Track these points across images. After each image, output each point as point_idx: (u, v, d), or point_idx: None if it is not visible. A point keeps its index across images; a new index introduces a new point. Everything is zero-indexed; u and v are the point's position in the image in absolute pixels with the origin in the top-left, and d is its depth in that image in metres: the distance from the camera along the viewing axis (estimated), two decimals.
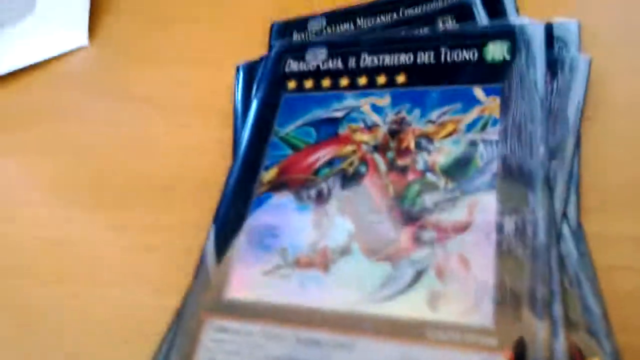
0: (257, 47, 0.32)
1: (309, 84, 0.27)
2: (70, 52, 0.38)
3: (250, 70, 0.30)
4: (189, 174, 0.28)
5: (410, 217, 0.21)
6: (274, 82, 0.27)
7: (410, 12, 0.30)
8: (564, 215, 0.20)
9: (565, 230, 0.20)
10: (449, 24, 0.28)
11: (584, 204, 0.21)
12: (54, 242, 0.28)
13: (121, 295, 0.25)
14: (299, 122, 0.25)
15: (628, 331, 0.18)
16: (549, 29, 0.25)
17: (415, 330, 0.19)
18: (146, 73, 0.34)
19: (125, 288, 0.25)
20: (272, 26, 0.32)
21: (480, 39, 0.25)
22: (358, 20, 0.31)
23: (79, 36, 0.38)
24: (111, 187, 0.29)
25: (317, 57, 0.27)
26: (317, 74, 0.27)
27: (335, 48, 0.28)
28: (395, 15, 0.30)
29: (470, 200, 0.21)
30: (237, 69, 0.30)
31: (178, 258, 0.25)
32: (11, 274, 0.27)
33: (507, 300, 0.18)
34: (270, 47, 0.31)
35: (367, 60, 0.26)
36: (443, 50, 0.25)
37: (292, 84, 0.27)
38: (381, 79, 0.26)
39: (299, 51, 0.28)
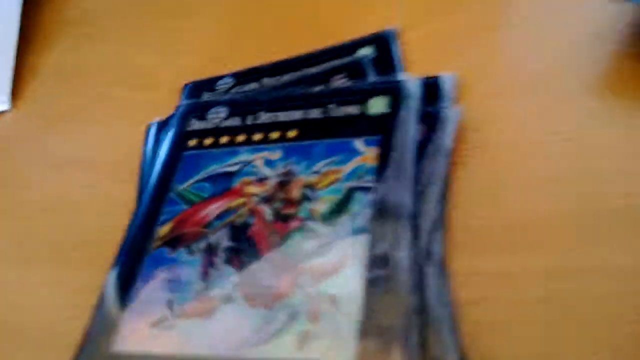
0: (172, 108, 0.34)
1: (208, 141, 0.28)
2: None
3: (160, 128, 0.31)
4: (101, 233, 0.29)
5: (290, 264, 0.22)
6: (176, 141, 0.29)
7: (309, 71, 0.32)
8: (429, 253, 0.21)
9: (430, 268, 0.21)
10: (341, 82, 0.30)
11: (450, 243, 0.22)
12: None
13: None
14: (196, 177, 0.27)
15: None
16: (431, 83, 0.28)
17: None
18: (66, 134, 0.35)
19: None
20: (184, 87, 0.34)
21: (363, 95, 0.27)
22: (264, 79, 0.33)
23: (1, 100, 0.39)
24: (31, 246, 0.30)
25: (218, 116, 0.29)
26: (217, 132, 0.28)
27: (236, 107, 0.29)
28: (296, 74, 0.32)
29: (344, 243, 0.22)
30: (147, 127, 0.32)
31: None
32: None
33: (373, 335, 0.19)
34: (182, 102, 0.32)
35: (264, 117, 0.28)
36: (330, 106, 0.27)
37: (192, 142, 0.29)
38: (275, 135, 0.27)
39: (202, 110, 0.30)
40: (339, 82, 0.30)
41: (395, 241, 0.21)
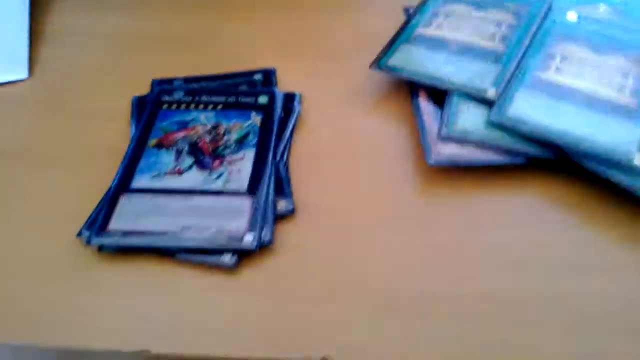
0: (144, 90, 0.59)
1: (174, 106, 0.55)
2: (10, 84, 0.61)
3: (138, 99, 0.57)
4: (110, 148, 0.53)
5: (219, 157, 0.49)
6: (155, 104, 0.55)
7: (228, 80, 0.60)
8: (280, 158, 0.50)
9: (280, 163, 0.50)
10: (244, 87, 0.58)
11: (291, 157, 0.51)
12: None
13: None
14: (168, 121, 0.53)
15: (303, 190, 0.48)
16: (289, 95, 0.57)
17: (216, 193, 0.46)
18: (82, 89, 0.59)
19: None
20: (153, 80, 0.60)
21: (256, 94, 0.56)
22: (201, 82, 0.60)
23: (18, 70, 0.62)
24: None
25: (178, 95, 0.56)
26: (178, 102, 0.55)
27: (189, 92, 0.56)
28: (221, 81, 0.60)
29: (244, 152, 0.50)
30: (133, 100, 0.57)
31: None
32: None
33: (255, 191, 0.47)
34: (153, 88, 0.58)
35: (204, 98, 0.56)
36: (240, 96, 0.56)
37: (165, 106, 0.55)
38: (210, 106, 0.55)
39: (169, 92, 0.56)
40: (243, 87, 0.58)
41: (265, 151, 0.50)
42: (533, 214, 0.46)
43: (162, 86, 0.59)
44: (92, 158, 0.53)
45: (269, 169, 0.48)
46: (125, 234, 0.44)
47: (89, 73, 0.62)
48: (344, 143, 0.53)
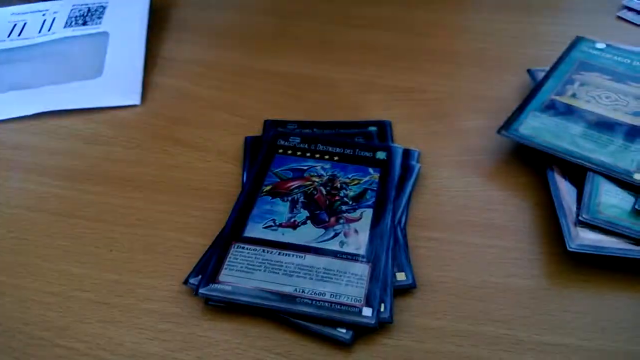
0: (255, 128, 0.58)
1: (290, 152, 0.53)
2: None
3: (252, 140, 0.55)
4: (218, 191, 0.52)
5: (335, 213, 0.47)
6: (271, 147, 0.53)
7: (342, 130, 0.58)
8: (399, 223, 0.47)
9: (398, 229, 0.46)
10: (361, 139, 0.56)
11: (409, 222, 0.48)
12: None
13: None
14: (284, 167, 0.51)
15: (422, 262, 0.44)
16: (406, 150, 0.54)
17: (331, 254, 0.43)
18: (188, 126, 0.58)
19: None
20: (265, 121, 0.58)
21: (374, 148, 0.53)
22: (314, 128, 0.58)
23: (132, 97, 0.62)
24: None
25: (294, 140, 0.54)
26: (294, 149, 0.53)
27: (304, 138, 0.54)
28: (333, 130, 0.58)
29: (361, 210, 0.47)
30: (246, 139, 0.56)
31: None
32: None
33: (374, 255, 0.44)
34: (266, 128, 0.57)
35: (321, 147, 0.53)
36: (357, 150, 0.53)
37: (281, 150, 0.53)
38: (327, 156, 0.52)
39: (285, 135, 0.54)
40: (359, 139, 0.56)
41: (384, 213, 0.47)
42: None
43: (276, 128, 0.57)
44: (201, 195, 0.51)
45: (388, 234, 0.45)
46: (235, 289, 0.42)
47: (200, 105, 0.62)
48: (464, 212, 0.49)
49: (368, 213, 0.47)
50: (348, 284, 0.42)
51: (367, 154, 0.53)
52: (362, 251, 0.44)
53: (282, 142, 0.54)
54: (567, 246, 0.43)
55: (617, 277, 0.44)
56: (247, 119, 0.60)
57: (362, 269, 0.43)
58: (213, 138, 0.57)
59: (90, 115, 0.61)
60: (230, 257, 0.44)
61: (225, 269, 0.43)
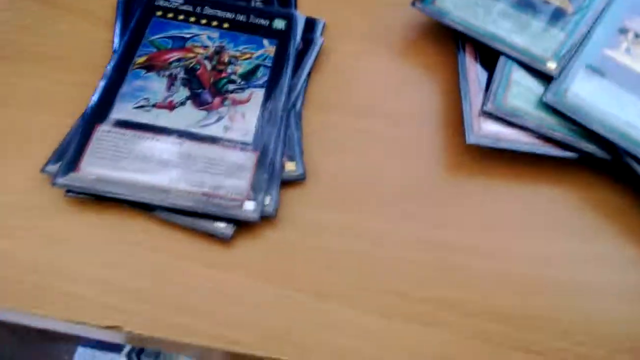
0: None
1: (170, 15, 0.44)
2: None
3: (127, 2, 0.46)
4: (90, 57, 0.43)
5: (220, 93, 0.41)
6: (147, 9, 0.44)
7: None
8: (294, 106, 0.42)
9: (292, 113, 0.41)
10: (258, 3, 0.48)
11: (306, 104, 0.43)
12: None
13: None
14: (162, 35, 0.43)
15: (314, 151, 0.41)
16: (310, 21, 0.47)
17: (213, 140, 0.38)
18: None
19: None
20: None
21: (271, 15, 0.46)
22: None
23: None
24: None
25: (177, 2, 0.45)
26: (176, 11, 0.45)
27: (190, 0, 0.46)
28: None
29: (251, 91, 0.41)
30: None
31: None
32: None
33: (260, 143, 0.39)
34: None
35: (208, 10, 0.45)
36: (252, 16, 0.46)
37: (159, 13, 0.44)
38: (215, 23, 0.45)
39: None
40: (257, 3, 0.48)
41: (279, 95, 0.41)
42: (567, 219, 0.40)
43: None
44: (61, 66, 0.43)
45: (280, 119, 0.40)
46: (100, 179, 0.36)
47: None
48: (369, 95, 0.45)
49: (258, 94, 0.41)
50: (230, 175, 0.37)
51: (263, 21, 0.46)
52: (248, 138, 0.39)
53: (161, 3, 0.45)
54: (467, 139, 0.40)
55: (516, 170, 0.42)
56: None
57: (247, 158, 0.38)
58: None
59: None
60: (93, 142, 0.38)
61: (88, 155, 0.37)
